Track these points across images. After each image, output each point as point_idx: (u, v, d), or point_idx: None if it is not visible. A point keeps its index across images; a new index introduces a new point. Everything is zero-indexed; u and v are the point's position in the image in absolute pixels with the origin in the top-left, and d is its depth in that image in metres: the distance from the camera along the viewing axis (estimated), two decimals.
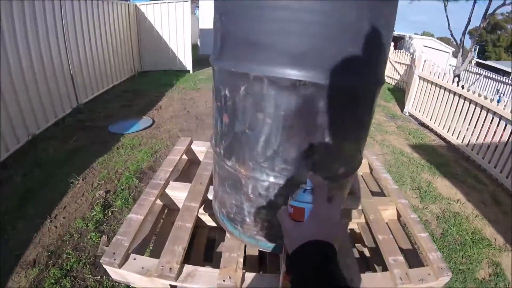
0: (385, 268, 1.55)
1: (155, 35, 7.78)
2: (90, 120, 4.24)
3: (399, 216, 2.07)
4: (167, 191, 1.55)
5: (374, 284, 1.20)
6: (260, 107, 0.75)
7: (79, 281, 1.88)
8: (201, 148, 2.12)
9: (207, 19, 9.40)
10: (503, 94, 9.00)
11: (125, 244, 1.04)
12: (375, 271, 1.53)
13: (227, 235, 1.19)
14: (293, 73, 0.69)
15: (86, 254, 2.06)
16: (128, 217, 1.21)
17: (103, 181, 2.72)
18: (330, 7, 0.67)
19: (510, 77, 11.63)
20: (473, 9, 9.02)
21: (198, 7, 9.96)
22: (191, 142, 2.07)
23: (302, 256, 0.48)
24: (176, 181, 1.65)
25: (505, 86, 10.39)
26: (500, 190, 3.74)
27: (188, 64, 8.26)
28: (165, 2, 7.50)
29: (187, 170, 2.07)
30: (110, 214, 2.36)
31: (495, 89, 10.38)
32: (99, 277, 1.92)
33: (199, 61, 8.82)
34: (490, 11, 8.71)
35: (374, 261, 1.65)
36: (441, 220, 2.98)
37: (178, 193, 1.55)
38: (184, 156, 1.97)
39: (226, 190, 1.05)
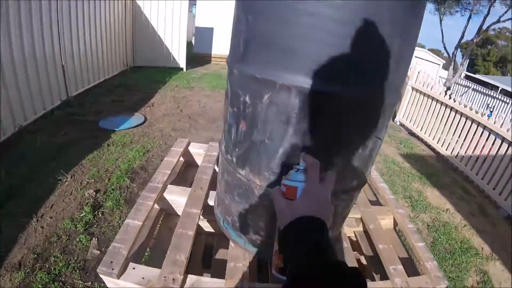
0: (383, 276, 1.57)
1: (150, 31, 7.65)
2: (80, 114, 4.10)
3: (395, 225, 2.09)
4: (165, 195, 1.50)
5: None
6: (284, 118, 0.71)
7: (68, 286, 1.78)
8: (198, 151, 2.07)
9: (203, 17, 9.32)
10: (493, 108, 9.27)
11: (123, 252, 0.98)
12: (373, 279, 1.53)
13: (231, 243, 1.16)
14: (323, 85, 0.66)
15: (75, 258, 1.96)
16: (125, 222, 1.15)
17: (92, 180, 2.61)
18: (367, 24, 0.65)
19: (498, 91, 12.02)
20: (467, 24, 9.29)
21: (195, 5, 9.85)
22: (188, 144, 2.03)
23: (294, 231, 0.49)
24: (174, 185, 1.60)
25: (492, 99, 10.73)
26: (487, 201, 3.83)
27: (182, 62, 8.16)
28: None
29: (183, 173, 2.02)
30: (100, 215, 2.25)
31: (485, 103, 10.70)
32: (90, 283, 1.83)
33: (193, 59, 8.74)
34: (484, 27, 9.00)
35: (373, 269, 1.66)
36: (431, 229, 3.02)
37: (177, 197, 1.50)
38: (181, 158, 1.92)
39: (234, 199, 1.01)
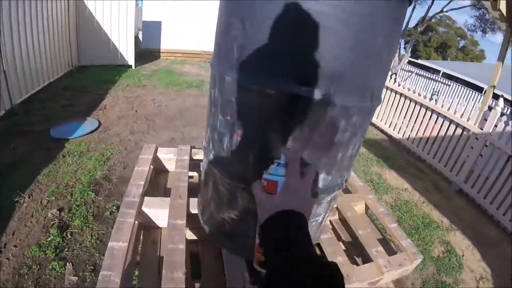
0: (364, 259, 1.69)
1: (96, 27, 7.08)
2: (27, 124, 3.68)
3: (366, 209, 2.23)
4: (144, 208, 1.43)
5: (364, 275, 1.32)
6: (287, 127, 0.71)
7: None
8: (168, 156, 2.00)
9: (150, 11, 8.81)
10: (438, 93, 10.19)
11: (115, 280, 0.92)
12: (354, 262, 1.63)
13: (223, 250, 1.15)
14: (324, 94, 0.68)
15: None
16: (109, 246, 1.07)
17: (53, 197, 2.36)
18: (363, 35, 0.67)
19: (440, 75, 13.24)
20: (412, 13, 10.07)
21: None
22: (156, 149, 1.94)
23: (273, 225, 0.49)
24: (147, 195, 1.52)
25: (434, 82, 11.79)
26: (439, 178, 4.23)
27: (130, 59, 7.69)
28: None
29: (154, 181, 1.93)
30: (69, 236, 2.04)
31: (429, 87, 11.70)
32: None
33: (141, 55, 8.27)
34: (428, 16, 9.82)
35: (354, 253, 1.76)
36: (395, 209, 3.27)
37: (157, 210, 1.43)
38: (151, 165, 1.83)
39: (225, 208, 1.00)
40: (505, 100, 4.98)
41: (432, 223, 3.13)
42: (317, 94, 0.68)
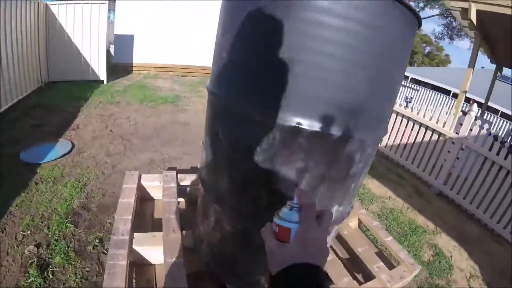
0: (365, 275, 1.70)
1: (66, 40, 6.76)
2: None
3: (359, 224, 2.25)
4: (135, 247, 1.33)
5: None
6: (304, 164, 0.68)
7: None
8: (153, 183, 1.92)
9: (122, 24, 8.56)
10: (411, 99, 10.64)
11: None
12: (354, 278, 1.62)
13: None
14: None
15: None
16: None
17: (29, 231, 2.14)
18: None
19: (409, 80, 13.86)
20: None
21: (113, 10, 9.01)
22: (139, 177, 1.85)
23: (287, 279, 0.45)
24: (135, 228, 1.42)
25: (404, 88, 12.33)
26: (419, 182, 4.37)
27: (103, 74, 7.40)
28: (79, 3, 6.56)
29: (140, 211, 1.82)
30: (51, 276, 1.81)
31: (402, 94, 12.20)
32: None
33: (113, 70, 7.99)
34: None
35: (354, 270, 1.76)
36: (382, 217, 3.32)
37: (149, 247, 1.34)
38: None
39: (229, 245, 0.94)
40: (477, 103, 5.35)
41: (418, 228, 3.21)
42: (337, 130, 0.65)
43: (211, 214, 1.01)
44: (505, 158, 3.34)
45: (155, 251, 1.30)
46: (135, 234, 1.35)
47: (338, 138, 0.66)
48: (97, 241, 2.15)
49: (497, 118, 12.26)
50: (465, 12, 4.06)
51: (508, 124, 11.86)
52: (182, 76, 8.95)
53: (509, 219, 3.28)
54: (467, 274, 2.73)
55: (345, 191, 0.84)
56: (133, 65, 8.91)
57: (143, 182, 1.87)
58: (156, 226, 1.69)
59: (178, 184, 1.83)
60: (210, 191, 0.94)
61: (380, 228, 2.05)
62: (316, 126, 0.63)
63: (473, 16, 4.03)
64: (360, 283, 1.50)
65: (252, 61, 0.68)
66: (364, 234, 2.03)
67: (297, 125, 0.62)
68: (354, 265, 1.80)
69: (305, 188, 0.73)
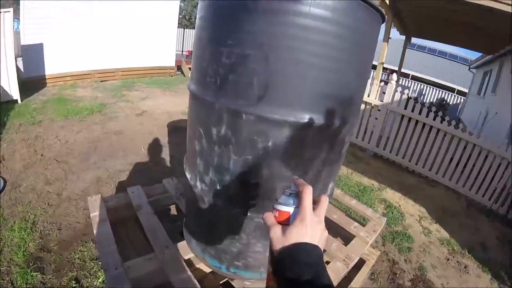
0: (342, 237, 1.93)
1: None
2: None
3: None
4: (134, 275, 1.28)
5: (355, 250, 1.54)
6: (304, 154, 0.77)
7: None
8: (121, 202, 1.84)
9: (30, 32, 7.39)
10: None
11: None
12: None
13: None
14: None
15: None
16: None
17: None
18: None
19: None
20: None
21: (17, 19, 7.65)
22: (104, 200, 1.76)
23: (289, 258, 0.49)
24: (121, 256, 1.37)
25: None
26: (355, 148, 4.83)
27: (15, 93, 6.30)
28: None
29: (118, 236, 1.72)
30: None
31: None
32: None
33: (25, 85, 6.91)
34: None
35: (332, 235, 1.97)
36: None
37: (150, 273, 1.30)
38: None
39: (219, 232, 1.02)
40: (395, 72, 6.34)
41: (366, 188, 3.63)
42: (336, 121, 0.75)
43: (205, 215, 1.05)
44: (427, 116, 4.01)
45: (156, 274, 1.28)
46: (129, 263, 1.30)
47: (338, 127, 0.77)
48: (73, 282, 1.93)
49: (409, 81, 15.27)
50: None
51: (418, 84, 14.91)
52: (101, 81, 8.18)
53: (438, 167, 3.99)
54: (417, 218, 3.23)
55: (337, 169, 0.96)
56: (47, 77, 7.79)
57: (110, 205, 1.77)
58: (138, 246, 1.65)
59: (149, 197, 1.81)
60: (208, 195, 0.98)
61: (344, 195, 2.31)
62: (321, 119, 0.73)
63: None
64: (345, 245, 1.69)
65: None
66: (332, 204, 2.27)
67: (309, 121, 0.71)
68: (330, 230, 2.01)
69: (312, 172, 0.83)
